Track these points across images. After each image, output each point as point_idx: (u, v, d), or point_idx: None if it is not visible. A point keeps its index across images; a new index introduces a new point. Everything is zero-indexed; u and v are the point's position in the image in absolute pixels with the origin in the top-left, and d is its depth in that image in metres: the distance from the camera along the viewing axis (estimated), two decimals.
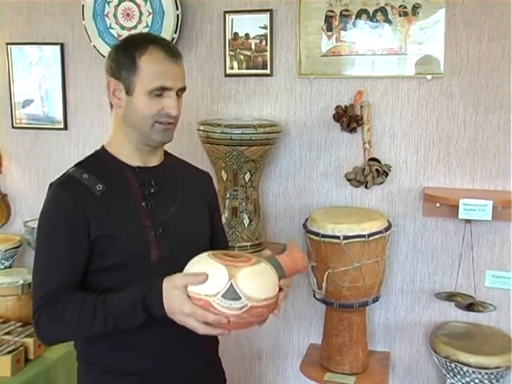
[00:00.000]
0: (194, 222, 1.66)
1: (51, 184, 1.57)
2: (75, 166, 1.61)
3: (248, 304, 1.34)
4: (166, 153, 1.73)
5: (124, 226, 1.53)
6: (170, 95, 1.53)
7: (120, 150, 1.62)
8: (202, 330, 1.36)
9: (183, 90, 1.58)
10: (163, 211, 1.60)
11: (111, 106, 1.62)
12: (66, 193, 1.52)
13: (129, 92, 1.54)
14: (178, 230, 1.60)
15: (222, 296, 1.32)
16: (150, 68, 1.51)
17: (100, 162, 1.62)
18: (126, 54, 1.54)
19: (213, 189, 1.85)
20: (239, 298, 1.33)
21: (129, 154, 1.61)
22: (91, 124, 3.02)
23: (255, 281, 1.36)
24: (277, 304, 1.42)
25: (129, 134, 1.59)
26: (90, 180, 1.54)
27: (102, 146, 1.66)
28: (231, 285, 1.32)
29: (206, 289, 1.33)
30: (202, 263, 1.38)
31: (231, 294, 1.32)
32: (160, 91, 1.52)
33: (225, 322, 1.33)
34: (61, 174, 1.60)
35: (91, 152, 1.68)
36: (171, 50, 1.56)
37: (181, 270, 1.42)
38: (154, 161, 1.66)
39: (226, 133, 2.47)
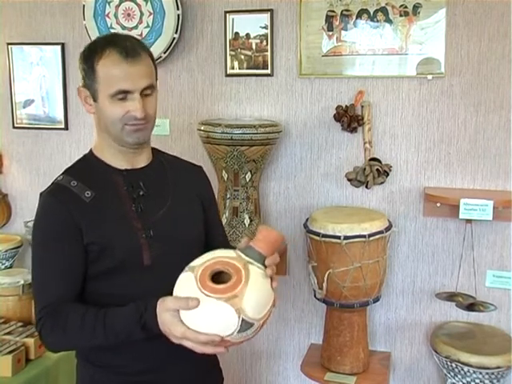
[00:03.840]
0: (186, 222, 1.65)
1: (41, 193, 1.57)
2: (64, 173, 1.60)
3: (260, 323, 1.35)
4: (155, 151, 1.72)
5: (114, 231, 1.53)
6: (133, 98, 1.51)
7: (105, 153, 1.61)
8: (198, 349, 1.36)
9: (150, 88, 1.54)
10: (153, 213, 1.59)
11: None
12: (56, 203, 1.52)
13: (95, 99, 1.54)
14: (170, 231, 1.59)
15: (237, 332, 1.32)
16: (106, 73, 1.50)
17: (88, 167, 1.62)
18: (87, 60, 1.54)
19: (206, 182, 1.82)
20: (252, 325, 1.33)
21: (114, 158, 1.61)
22: (92, 124, 2.98)
23: (259, 302, 1.35)
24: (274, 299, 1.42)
25: (107, 138, 1.59)
26: (78, 187, 1.54)
27: (90, 150, 1.66)
28: (243, 320, 1.31)
29: (219, 332, 1.32)
30: (203, 305, 1.31)
31: (245, 326, 1.32)
32: (122, 95, 1.50)
33: (218, 340, 1.32)
34: (50, 183, 1.60)
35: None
36: (128, 51, 1.50)
37: (174, 273, 1.40)
38: (142, 162, 1.65)
39: (226, 133, 2.48)
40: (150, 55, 1.59)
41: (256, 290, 1.34)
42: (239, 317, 1.30)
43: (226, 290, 1.32)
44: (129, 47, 1.52)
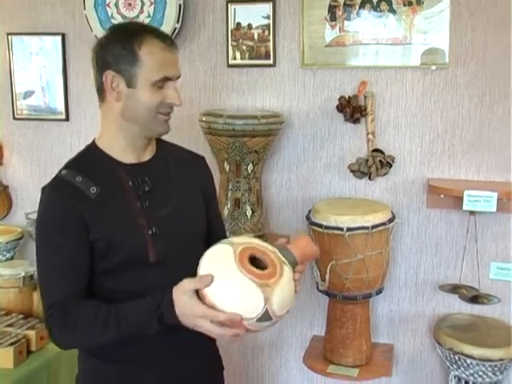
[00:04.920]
0: (190, 218, 1.65)
1: (44, 188, 1.55)
2: (67, 166, 1.58)
3: (277, 321, 1.39)
4: (157, 141, 1.70)
5: (120, 228, 1.53)
6: (171, 85, 1.53)
7: (112, 146, 1.59)
8: (216, 330, 1.37)
9: (179, 77, 1.58)
10: (158, 210, 1.58)
11: (102, 99, 1.58)
12: (60, 199, 1.50)
13: (130, 85, 1.51)
14: (174, 227, 1.59)
15: (257, 320, 1.35)
16: (152, 59, 1.49)
17: (92, 161, 1.59)
18: (125, 45, 1.50)
19: (208, 176, 1.81)
20: (270, 319, 1.37)
21: (121, 150, 1.59)
22: (93, 115, 3.01)
23: (284, 299, 1.39)
24: None
25: (125, 128, 1.56)
26: (83, 183, 1.52)
27: (93, 141, 1.63)
28: (266, 310, 1.34)
29: (241, 312, 1.34)
30: (236, 281, 1.35)
31: (265, 317, 1.35)
32: (163, 82, 1.51)
33: (237, 321, 1.34)
34: (52, 177, 1.57)
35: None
36: (168, 39, 1.54)
37: (181, 268, 1.42)
38: (147, 155, 1.64)
39: (228, 123, 2.47)
40: None
41: (285, 288, 1.39)
42: (264, 306, 1.33)
43: (262, 276, 1.36)
44: (167, 36, 1.55)
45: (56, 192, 1.52)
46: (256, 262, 1.40)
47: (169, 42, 1.53)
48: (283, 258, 1.44)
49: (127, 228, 1.54)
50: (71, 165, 1.59)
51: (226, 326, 1.36)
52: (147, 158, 1.64)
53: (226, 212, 2.57)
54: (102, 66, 1.54)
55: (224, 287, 1.35)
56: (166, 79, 1.51)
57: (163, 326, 1.43)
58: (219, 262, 1.39)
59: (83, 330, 1.47)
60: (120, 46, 1.51)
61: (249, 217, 2.60)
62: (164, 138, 1.76)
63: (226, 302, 1.34)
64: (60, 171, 1.57)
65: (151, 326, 1.43)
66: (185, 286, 1.38)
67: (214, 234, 1.72)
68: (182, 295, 1.38)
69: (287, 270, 1.43)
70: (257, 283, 1.34)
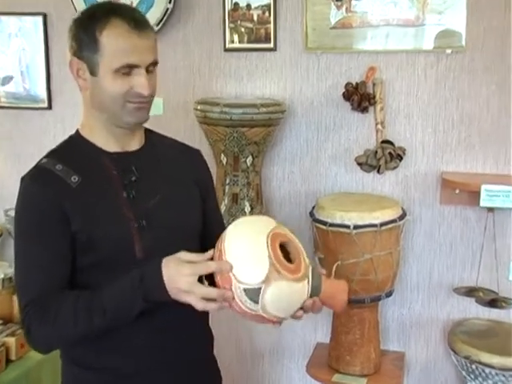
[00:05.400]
0: (182, 211, 1.64)
1: (23, 178, 1.55)
2: (47, 155, 1.59)
3: (259, 312, 1.37)
4: (147, 132, 1.70)
5: (104, 220, 1.52)
6: (138, 73, 1.50)
7: (95, 134, 1.59)
8: (202, 290, 1.37)
9: (154, 64, 1.55)
10: (146, 201, 1.58)
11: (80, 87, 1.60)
12: (39, 188, 1.51)
13: (93, 72, 1.51)
14: (164, 220, 1.58)
15: (245, 290, 1.34)
16: (112, 45, 1.47)
17: (74, 150, 1.60)
18: (86, 30, 1.50)
19: (204, 167, 1.82)
20: (256, 303, 1.36)
21: (105, 139, 1.59)
22: (78, 103, 2.96)
23: (282, 300, 1.38)
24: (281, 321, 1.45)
25: (99, 117, 1.57)
26: (64, 171, 1.52)
27: (77, 130, 1.64)
28: (259, 288, 1.34)
29: (238, 269, 1.35)
30: (256, 248, 1.38)
31: (253, 294, 1.35)
32: (127, 69, 1.49)
33: (227, 269, 1.36)
34: (32, 167, 1.57)
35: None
36: (136, 21, 1.50)
37: None
38: (134, 144, 1.63)
39: (225, 113, 2.47)
40: (153, 29, 1.58)
41: (289, 293, 1.39)
42: (261, 283, 1.34)
43: (281, 262, 1.38)
44: (137, 18, 1.51)
45: (35, 181, 1.52)
46: (284, 252, 1.42)
47: (135, 24, 1.49)
48: (310, 276, 1.44)
49: (111, 219, 1.53)
50: (52, 154, 1.60)
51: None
52: (134, 147, 1.63)
53: (222, 208, 2.57)
54: (70, 51, 1.55)
55: (242, 241, 1.40)
56: (131, 66, 1.49)
57: (148, 300, 1.41)
58: (255, 223, 1.48)
59: (65, 322, 1.45)
60: (82, 30, 1.51)
61: (247, 213, 2.60)
62: (155, 127, 1.75)
63: (234, 252, 1.37)
64: (40, 160, 1.58)
65: (136, 302, 1.42)
66: (180, 255, 1.40)
67: (210, 228, 1.71)
68: (171, 261, 1.40)
69: (305, 285, 1.42)
70: (271, 260, 1.36)
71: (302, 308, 1.45)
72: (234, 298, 1.36)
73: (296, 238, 1.51)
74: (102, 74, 1.50)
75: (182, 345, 1.59)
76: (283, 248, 1.43)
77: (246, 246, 1.39)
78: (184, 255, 1.40)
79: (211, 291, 1.37)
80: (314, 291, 1.45)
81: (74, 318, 1.44)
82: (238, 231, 1.43)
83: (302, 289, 1.42)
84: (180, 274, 1.37)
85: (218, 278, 1.37)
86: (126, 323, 1.46)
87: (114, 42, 1.47)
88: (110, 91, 1.50)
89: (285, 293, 1.37)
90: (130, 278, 1.43)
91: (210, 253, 1.40)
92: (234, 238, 1.41)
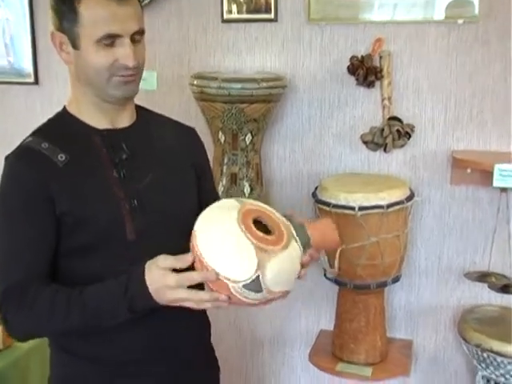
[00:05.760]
0: (176, 191, 1.64)
1: (7, 157, 1.55)
2: (33, 133, 1.59)
3: (267, 297, 1.38)
4: (139, 109, 1.70)
5: (93, 200, 1.52)
6: (122, 43, 1.49)
7: (83, 110, 1.60)
8: (195, 297, 1.38)
9: (140, 32, 1.54)
10: (138, 180, 1.58)
11: None
12: (24, 167, 1.51)
13: (75, 45, 1.51)
14: (157, 200, 1.59)
15: (244, 286, 1.34)
16: (91, 14, 1.47)
17: (61, 127, 1.60)
18: (65, 0, 1.49)
19: (200, 146, 1.82)
20: (260, 291, 1.35)
21: (93, 115, 1.59)
22: (67, 77, 2.97)
23: (281, 274, 1.38)
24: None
25: (86, 92, 1.57)
26: (50, 150, 1.52)
27: (64, 107, 1.64)
28: (257, 277, 1.33)
29: (228, 270, 1.34)
30: (231, 236, 1.36)
31: (254, 286, 1.34)
32: (109, 40, 1.48)
33: (213, 279, 1.34)
34: (17, 146, 1.57)
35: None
36: None
37: (164, 250, 1.42)
38: (125, 121, 1.63)
39: (223, 88, 2.46)
40: None
41: (285, 263, 1.39)
42: (256, 272, 1.33)
43: (262, 239, 1.36)
44: None
45: (19, 161, 1.52)
46: (261, 227, 1.41)
47: None
48: (294, 234, 1.44)
49: (101, 199, 1.53)
50: (38, 132, 1.60)
51: (210, 291, 1.37)
52: (125, 124, 1.63)
53: (220, 189, 2.57)
54: (52, 24, 1.55)
55: (216, 238, 1.37)
56: (113, 36, 1.48)
57: (135, 312, 1.43)
58: (219, 214, 1.42)
59: (42, 317, 1.47)
60: (61, 2, 1.51)
61: (247, 195, 2.60)
62: (148, 103, 1.75)
63: (214, 255, 1.35)
64: (25, 139, 1.58)
65: (120, 313, 1.43)
66: (159, 261, 1.39)
67: None
68: (155, 270, 1.39)
69: (295, 246, 1.43)
70: (254, 244, 1.34)
71: (302, 266, 1.46)
72: (231, 298, 1.36)
73: (262, 204, 1.50)
74: (83, 47, 1.49)
75: (177, 331, 1.60)
76: (257, 222, 1.42)
77: (222, 242, 1.37)
78: (163, 262, 1.39)
79: (203, 296, 1.38)
80: (305, 245, 1.46)
81: (51, 314, 1.46)
82: (207, 229, 1.40)
83: (294, 251, 1.42)
84: (166, 287, 1.38)
85: (209, 286, 1.37)
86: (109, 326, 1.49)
87: (92, 11, 1.47)
88: (93, 64, 1.50)
89: (281, 266, 1.37)
90: (114, 286, 1.44)
91: (190, 256, 1.39)
92: (206, 239, 1.38)
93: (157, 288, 1.38)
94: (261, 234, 1.37)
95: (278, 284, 1.37)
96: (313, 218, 1.56)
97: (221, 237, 1.37)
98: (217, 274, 1.33)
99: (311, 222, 1.54)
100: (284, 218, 1.48)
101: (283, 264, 1.38)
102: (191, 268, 1.38)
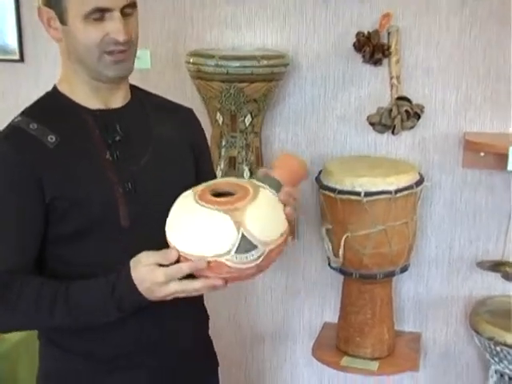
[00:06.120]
0: (172, 174, 1.65)
1: None
2: (21, 113, 1.59)
3: (266, 250, 1.35)
4: (134, 89, 1.70)
5: (85, 182, 1.52)
6: (112, 17, 1.49)
7: (74, 89, 1.60)
8: (188, 287, 1.38)
9: (132, 5, 1.53)
10: (133, 162, 1.58)
11: None
12: (12, 149, 1.50)
13: (63, 21, 1.50)
14: (153, 184, 1.59)
15: (236, 252, 1.32)
16: None
17: (51, 107, 1.60)
18: None
19: (197, 127, 1.83)
20: (255, 247, 1.34)
21: (85, 95, 1.59)
22: (55, 54, 2.94)
23: (264, 220, 1.37)
24: (289, 230, 1.44)
25: (77, 70, 1.57)
26: (39, 130, 1.52)
27: (54, 86, 1.64)
28: (242, 235, 1.32)
29: (211, 248, 1.33)
30: (194, 214, 1.36)
31: (245, 245, 1.33)
32: (98, 14, 1.47)
33: (203, 267, 1.34)
34: (5, 127, 1.57)
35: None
36: None
37: (159, 236, 1.41)
38: (118, 101, 1.63)
39: (221, 66, 2.46)
40: None
41: (262, 208, 1.38)
42: (238, 230, 1.32)
43: (226, 202, 1.36)
44: None
45: (6, 142, 1.52)
46: (224, 195, 1.42)
47: None
48: (261, 184, 1.45)
49: (93, 181, 1.53)
50: (26, 112, 1.59)
51: (203, 276, 1.36)
52: (119, 104, 1.64)
53: (219, 174, 2.57)
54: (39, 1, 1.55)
55: (186, 227, 1.37)
56: (102, 10, 1.47)
57: (125, 311, 1.45)
58: (177, 205, 1.42)
59: (26, 313, 1.47)
60: None
61: (246, 179, 2.59)
62: (142, 83, 1.74)
63: (191, 243, 1.35)
64: (13, 119, 1.58)
65: (109, 312, 1.45)
66: (142, 259, 1.40)
67: None
68: (141, 268, 1.40)
69: (266, 192, 1.43)
70: (220, 210, 1.34)
71: (284, 205, 1.45)
72: (231, 274, 1.35)
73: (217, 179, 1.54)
74: (71, 22, 1.49)
75: (173, 324, 1.61)
76: (218, 195, 1.42)
77: (191, 226, 1.36)
78: (146, 259, 1.40)
79: (197, 286, 1.38)
80: (277, 188, 1.46)
81: (34, 312, 1.46)
82: (173, 223, 1.41)
83: (266, 196, 1.42)
84: (156, 284, 1.38)
85: (204, 273, 1.36)
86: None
87: None
88: (82, 41, 1.50)
89: (259, 213, 1.37)
90: (101, 285, 1.45)
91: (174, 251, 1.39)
92: (176, 231, 1.39)
93: (147, 287, 1.40)
94: (222, 198, 1.38)
95: (266, 231, 1.36)
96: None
97: (187, 222, 1.37)
98: (205, 259, 1.32)
99: (270, 168, 1.54)
100: (244, 179, 1.47)
101: (260, 211, 1.37)
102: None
